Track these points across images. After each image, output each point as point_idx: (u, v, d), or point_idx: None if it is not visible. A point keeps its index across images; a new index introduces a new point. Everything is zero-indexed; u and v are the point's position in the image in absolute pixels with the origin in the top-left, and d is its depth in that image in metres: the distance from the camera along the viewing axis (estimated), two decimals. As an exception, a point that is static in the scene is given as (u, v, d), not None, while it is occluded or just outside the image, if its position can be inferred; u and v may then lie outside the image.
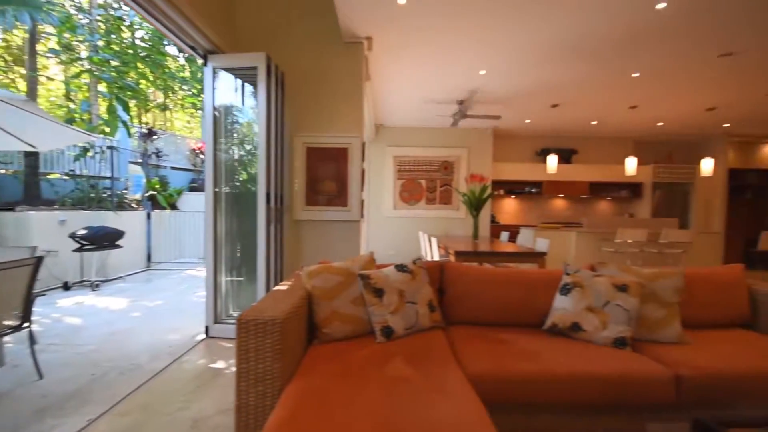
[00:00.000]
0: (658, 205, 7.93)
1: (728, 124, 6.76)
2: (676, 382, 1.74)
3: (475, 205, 4.72)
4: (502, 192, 7.80)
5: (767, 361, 1.83)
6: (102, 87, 8.50)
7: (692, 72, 4.29)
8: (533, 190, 7.82)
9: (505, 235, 5.53)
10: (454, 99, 5.44)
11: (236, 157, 3.52)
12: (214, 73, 3.14)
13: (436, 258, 4.35)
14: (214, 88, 3.12)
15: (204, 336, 3.25)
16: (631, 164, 5.98)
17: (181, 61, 11.43)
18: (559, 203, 8.06)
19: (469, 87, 4.93)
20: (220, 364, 2.73)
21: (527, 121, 6.76)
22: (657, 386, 1.72)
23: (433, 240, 4.41)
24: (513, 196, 7.96)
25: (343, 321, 1.99)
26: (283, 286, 2.06)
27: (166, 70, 10.65)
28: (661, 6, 2.89)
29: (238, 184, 3.47)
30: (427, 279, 2.23)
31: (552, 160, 5.79)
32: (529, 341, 2.05)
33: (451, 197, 7.38)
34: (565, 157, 7.74)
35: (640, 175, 7.66)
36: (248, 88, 3.42)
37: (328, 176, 3.53)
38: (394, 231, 7.35)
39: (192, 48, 3.11)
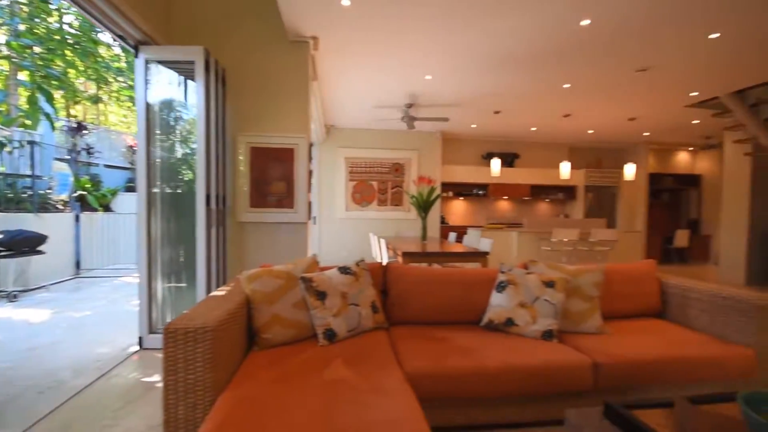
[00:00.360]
0: (590, 207, 8.61)
1: (648, 133, 7.50)
2: (594, 370, 1.90)
3: (423, 206, 4.84)
4: (451, 194, 8.06)
5: (675, 348, 2.05)
6: (23, 75, 7.67)
7: (614, 85, 4.70)
8: (480, 192, 8.17)
9: (453, 236, 5.72)
10: (403, 102, 5.54)
11: (178, 155, 3.34)
12: (147, 65, 2.95)
13: (386, 259, 4.41)
14: (147, 81, 2.94)
15: (137, 348, 3.04)
16: (565, 169, 6.44)
17: (117, 50, 10.60)
18: (504, 205, 8.49)
19: (417, 91, 5.05)
20: (154, 378, 2.57)
21: (473, 125, 7.05)
22: (577, 374, 1.88)
23: (382, 241, 4.46)
24: (461, 198, 8.25)
25: (285, 325, 1.96)
26: (220, 292, 1.98)
27: (99, 59, 9.82)
28: (585, 23, 3.15)
29: (180, 183, 3.29)
30: (371, 281, 2.26)
31: (495, 163, 6.09)
32: (466, 338, 2.14)
33: (402, 199, 7.50)
34: (509, 161, 8.16)
35: (573, 178, 8.28)
36: (192, 83, 3.26)
37: (274, 177, 3.46)
38: (346, 232, 7.33)
39: (121, 37, 2.91)
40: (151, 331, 3.03)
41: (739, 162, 6.02)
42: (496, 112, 6.03)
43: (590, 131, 7.34)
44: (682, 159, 8.94)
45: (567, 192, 8.46)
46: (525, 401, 1.90)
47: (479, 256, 3.89)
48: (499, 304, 2.31)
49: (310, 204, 3.70)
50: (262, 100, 3.46)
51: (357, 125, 7.17)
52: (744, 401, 1.15)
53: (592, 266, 2.44)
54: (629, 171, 6.39)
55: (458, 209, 8.36)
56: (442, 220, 7.95)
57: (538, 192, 8.41)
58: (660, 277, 2.70)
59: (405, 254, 3.77)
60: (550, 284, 2.27)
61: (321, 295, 2.02)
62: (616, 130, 7.17)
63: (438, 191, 7.22)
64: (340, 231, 7.30)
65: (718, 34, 3.32)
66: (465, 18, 3.13)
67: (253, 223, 3.46)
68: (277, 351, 1.86)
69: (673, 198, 8.97)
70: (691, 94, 5.01)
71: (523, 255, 5.90)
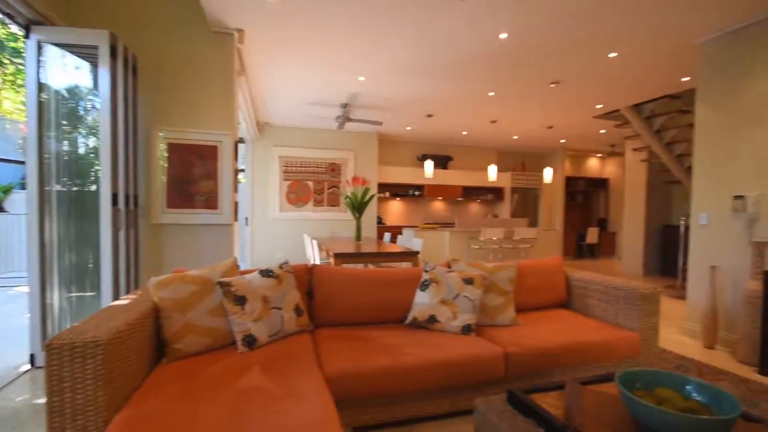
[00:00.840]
0: (516, 207, 9.26)
1: (564, 140, 8.24)
2: (505, 360, 2.05)
3: (357, 207, 4.86)
4: (387, 194, 8.18)
5: (575, 335, 2.27)
6: None
7: (533, 95, 5.10)
8: (416, 192, 8.39)
9: (387, 236, 5.81)
10: (338, 102, 5.52)
11: (86, 149, 2.99)
12: (41, 48, 2.61)
13: (318, 261, 4.35)
14: (39, 65, 2.59)
15: (29, 366, 2.68)
16: (492, 172, 6.86)
17: (14, 28, 9.25)
18: (439, 205, 8.81)
19: (350, 91, 5.05)
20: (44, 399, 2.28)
21: (408, 128, 7.22)
22: (491, 365, 2.00)
23: (314, 242, 4.40)
24: (398, 199, 8.42)
25: (199, 334, 1.85)
26: (123, 301, 1.81)
27: (-12, 37, 8.49)
28: (503, 36, 3.38)
29: (89, 181, 2.94)
30: (294, 283, 2.21)
31: (429, 165, 6.30)
32: (390, 336, 2.19)
33: (338, 199, 7.46)
34: (442, 162, 8.49)
35: (501, 181, 8.84)
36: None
37: (196, 176, 3.25)
38: (281, 233, 7.12)
39: (8, 15, 2.54)
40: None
41: (638, 167, 6.85)
42: (429, 116, 6.23)
43: (515, 137, 7.88)
44: (593, 164, 9.96)
45: (495, 193, 9.01)
46: (442, 394, 1.99)
47: (410, 255, 3.99)
48: (422, 302, 2.38)
49: (236, 204, 3.53)
50: (182, 93, 3.24)
51: (292, 123, 6.99)
52: (620, 380, 1.30)
53: (508, 263, 2.62)
54: (548, 174, 6.97)
55: (395, 210, 8.52)
56: (380, 221, 8.04)
57: (470, 193, 8.85)
58: (566, 271, 2.97)
59: (337, 255, 3.75)
60: (469, 281, 2.39)
61: (240, 300, 1.94)
62: (537, 136, 7.78)
63: (373, 192, 7.29)
64: (275, 232, 7.07)
65: (615, 54, 3.74)
66: (391, 20, 3.19)
67: (171, 225, 3.22)
68: (191, 361, 1.75)
69: (585, 199, 9.95)
70: (597, 107, 5.60)
71: (454, 253, 6.18)
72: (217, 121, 3.29)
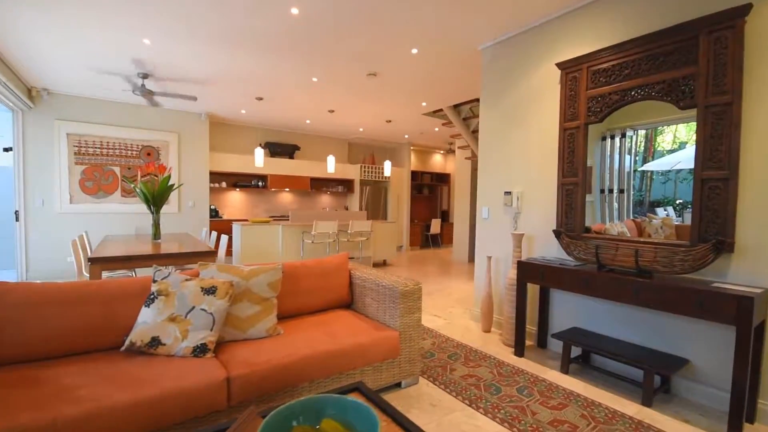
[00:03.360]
0: (368, 200, 9.36)
1: (407, 136, 8.59)
2: (227, 386, 1.71)
3: (153, 199, 4.04)
4: (224, 184, 7.33)
5: (329, 343, 2.07)
6: None
7: (353, 85, 4.96)
8: (260, 183, 7.73)
9: (204, 233, 5.10)
10: (129, 69, 4.53)
11: None
12: None
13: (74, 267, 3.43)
14: None
15: None
16: (330, 163, 6.68)
17: None
18: (287, 197, 8.31)
19: (137, 57, 4.15)
20: None
21: (243, 111, 6.52)
22: (204, 396, 1.64)
23: (80, 243, 3.46)
24: (238, 189, 7.63)
25: None
26: None
27: None
28: (294, 11, 3.06)
29: None
30: None
31: (259, 153, 5.75)
32: (80, 373, 1.65)
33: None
34: (289, 152, 8.00)
35: (350, 173, 8.81)
36: None
37: None
38: (72, 231, 5.68)
39: None
40: None
41: (464, 164, 7.48)
42: (259, 99, 5.67)
43: (361, 129, 7.86)
44: (437, 160, 10.72)
45: (346, 185, 8.94)
46: (143, 440, 1.55)
47: (204, 256, 3.43)
48: (144, 321, 1.90)
49: None
50: None
51: (88, 93, 5.60)
52: (269, 424, 1.04)
53: (270, 265, 2.31)
54: (387, 167, 7.12)
55: (235, 201, 7.71)
56: (215, 214, 7.16)
57: (320, 185, 8.59)
58: (351, 269, 2.83)
59: (93, 260, 2.97)
60: (210, 291, 2.00)
61: None
62: (382, 130, 7.90)
63: (175, 181, 6.43)
64: (63, 230, 5.62)
65: (416, 50, 3.79)
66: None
67: None
68: None
69: (431, 192, 10.68)
70: (422, 104, 5.82)
71: (288, 250, 5.80)
72: None
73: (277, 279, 2.26)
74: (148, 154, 6.24)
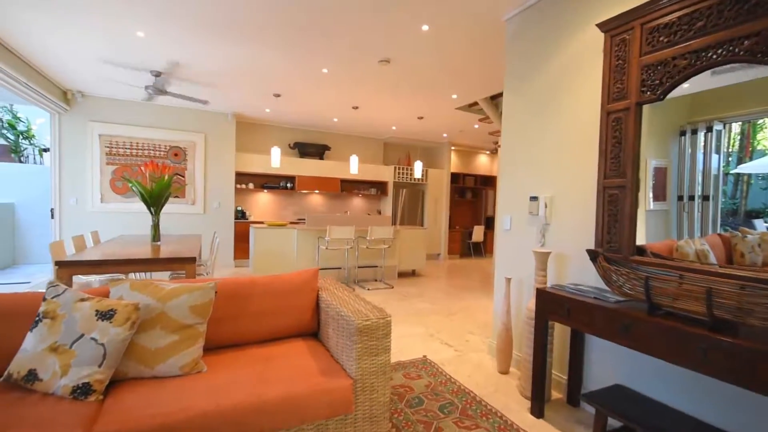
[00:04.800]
0: (404, 203, 8.78)
1: (446, 135, 7.89)
2: (79, 452, 1.28)
3: (152, 199, 3.87)
4: (251, 186, 7.21)
5: (254, 394, 1.58)
6: None
7: (366, 76, 4.44)
8: (288, 184, 7.53)
9: (215, 237, 4.90)
10: (146, 67, 4.44)
11: None
12: None
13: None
14: None
15: None
16: (354, 163, 6.23)
17: None
18: (316, 199, 8.03)
19: (134, 49, 4.02)
20: None
21: (267, 110, 6.32)
22: (41, 466, 1.22)
23: (65, 242, 3.32)
24: (266, 191, 7.48)
25: None
26: None
27: None
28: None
29: None
30: None
31: (275, 153, 5.46)
32: None
33: (184, 190, 6.34)
34: (319, 152, 7.71)
35: (384, 174, 8.31)
36: None
37: None
38: (103, 231, 5.83)
39: None
40: None
41: (506, 165, 6.62)
42: (277, 95, 5.39)
43: (394, 127, 7.34)
44: (482, 161, 9.85)
45: (379, 188, 8.47)
46: None
47: (183, 262, 3.13)
48: (25, 348, 1.54)
49: None
50: None
51: (115, 94, 5.72)
52: None
53: (199, 282, 1.87)
54: (418, 168, 6.51)
55: (264, 203, 7.57)
56: (242, 215, 7.06)
57: (351, 187, 8.20)
58: (321, 287, 2.31)
59: (61, 264, 2.77)
60: (106, 315, 1.60)
61: None
62: (416, 128, 7.31)
63: (201, 181, 6.32)
64: (93, 228, 5.77)
65: (427, 27, 3.19)
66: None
67: None
68: None
69: (475, 196, 9.83)
70: (452, 96, 5.16)
71: (303, 256, 5.44)
72: None
73: (204, 302, 1.81)
74: (176, 155, 6.26)
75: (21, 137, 6.64)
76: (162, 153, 6.18)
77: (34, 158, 6.83)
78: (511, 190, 2.94)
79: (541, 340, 2.18)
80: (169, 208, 6.21)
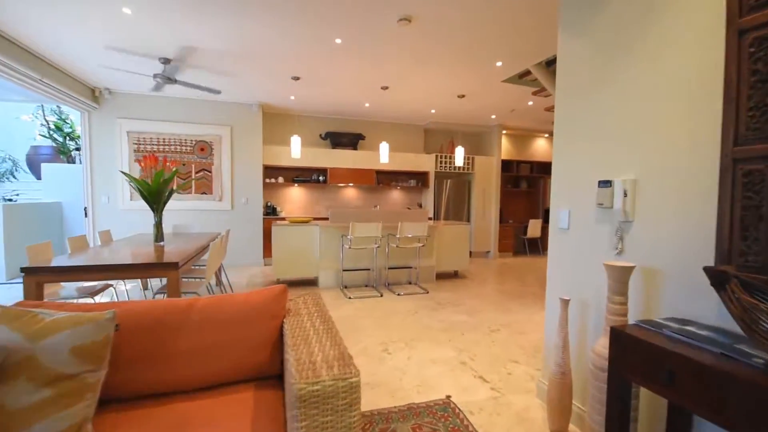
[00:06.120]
0: (448, 195, 7.94)
1: (495, 116, 6.91)
2: None
3: (152, 196, 3.52)
4: (281, 180, 6.83)
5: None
6: None
7: (385, 40, 3.70)
8: (320, 178, 7.05)
9: (222, 234, 4.51)
10: (153, 53, 4.12)
11: None
12: None
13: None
14: None
15: None
16: (384, 151, 5.52)
17: None
18: (351, 192, 7.48)
19: (118, 28, 3.66)
20: None
21: (291, 98, 5.84)
22: None
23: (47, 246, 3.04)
24: (297, 185, 7.07)
25: None
26: None
27: None
28: None
29: None
30: None
31: (296, 142, 4.94)
32: None
33: (211, 185, 6.10)
34: (352, 142, 7.13)
35: (425, 164, 7.52)
36: None
37: None
38: (134, 228, 5.76)
39: None
40: None
41: (567, 148, 5.54)
42: (296, 79, 4.86)
43: (433, 110, 6.53)
44: (540, 146, 8.67)
45: (419, 179, 7.71)
46: None
47: (163, 268, 2.68)
48: None
49: None
50: None
51: (142, 90, 5.58)
52: None
53: (91, 312, 1.31)
54: (459, 155, 5.66)
55: (296, 198, 7.18)
56: (272, 211, 6.72)
57: (388, 179, 7.54)
58: (289, 313, 1.69)
59: (27, 271, 2.44)
60: (-66, 364, 1.09)
61: None
62: (458, 110, 6.44)
63: (228, 175, 5.97)
64: (125, 227, 5.72)
65: (451, -41, 2.40)
66: None
67: None
68: None
69: (531, 186, 8.67)
70: (497, 64, 4.26)
71: (326, 255, 4.88)
72: None
73: (95, 341, 1.26)
74: (202, 149, 6.03)
75: (68, 138, 6.85)
76: (188, 148, 5.98)
77: (80, 158, 7.03)
78: (570, 173, 2.09)
79: (616, 407, 1.36)
80: (194, 204, 6.02)
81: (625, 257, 1.72)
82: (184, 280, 3.74)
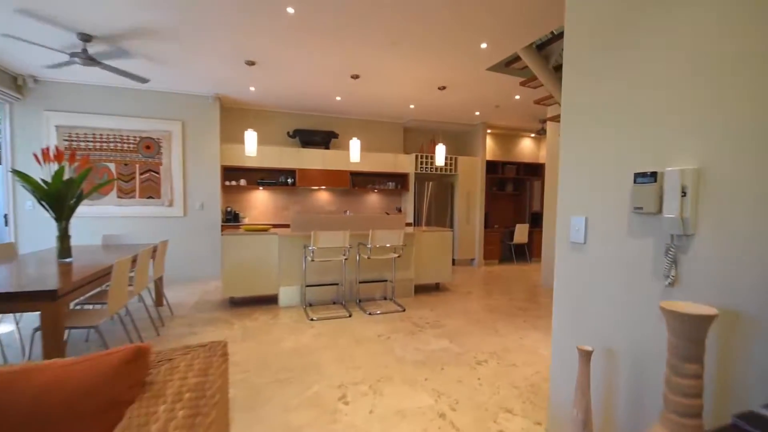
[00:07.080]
0: (430, 199, 7.33)
1: (479, 112, 6.36)
2: None
3: (50, 200, 2.79)
4: (243, 182, 6.10)
5: None
6: None
7: (344, 13, 3.12)
8: (289, 180, 6.36)
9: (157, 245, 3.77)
10: (72, 26, 3.39)
11: None
12: None
13: None
14: None
15: None
16: (354, 150, 4.87)
17: None
18: (323, 196, 6.81)
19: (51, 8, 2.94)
20: None
21: (251, 89, 5.15)
22: None
23: None
24: (262, 188, 6.35)
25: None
26: None
27: None
28: None
29: None
30: None
31: (250, 138, 4.24)
32: None
33: (159, 188, 5.34)
34: (324, 141, 6.47)
35: (405, 164, 6.92)
36: None
37: None
38: (76, 238, 4.93)
39: None
40: None
41: (558, 146, 5.01)
42: (250, 63, 4.18)
43: (411, 105, 5.93)
44: (526, 146, 8.17)
45: (398, 181, 7.09)
46: None
47: (33, 299, 1.97)
48: None
49: None
50: None
51: (76, 78, 4.80)
52: None
53: None
54: (440, 154, 5.06)
55: (261, 203, 6.45)
56: (234, 217, 5.98)
57: (365, 181, 6.90)
58: (150, 383, 1.01)
59: None
60: None
61: None
62: (439, 105, 5.86)
63: (179, 177, 5.24)
64: (52, 237, 4.90)
65: None
66: None
67: None
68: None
69: (517, 189, 8.16)
70: (481, 46, 3.68)
71: (288, 270, 4.18)
72: None
73: None
74: (147, 147, 5.27)
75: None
76: (131, 146, 5.21)
77: None
78: (586, 167, 1.48)
79: None
80: (139, 210, 5.25)
81: (680, 290, 1.12)
82: (88, 307, 3.01)
